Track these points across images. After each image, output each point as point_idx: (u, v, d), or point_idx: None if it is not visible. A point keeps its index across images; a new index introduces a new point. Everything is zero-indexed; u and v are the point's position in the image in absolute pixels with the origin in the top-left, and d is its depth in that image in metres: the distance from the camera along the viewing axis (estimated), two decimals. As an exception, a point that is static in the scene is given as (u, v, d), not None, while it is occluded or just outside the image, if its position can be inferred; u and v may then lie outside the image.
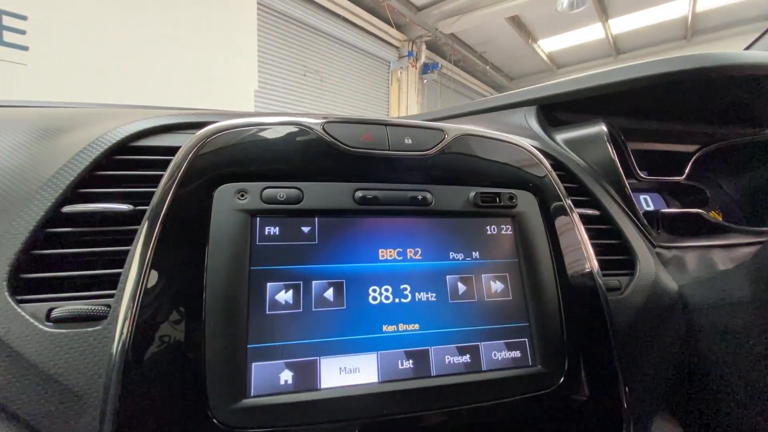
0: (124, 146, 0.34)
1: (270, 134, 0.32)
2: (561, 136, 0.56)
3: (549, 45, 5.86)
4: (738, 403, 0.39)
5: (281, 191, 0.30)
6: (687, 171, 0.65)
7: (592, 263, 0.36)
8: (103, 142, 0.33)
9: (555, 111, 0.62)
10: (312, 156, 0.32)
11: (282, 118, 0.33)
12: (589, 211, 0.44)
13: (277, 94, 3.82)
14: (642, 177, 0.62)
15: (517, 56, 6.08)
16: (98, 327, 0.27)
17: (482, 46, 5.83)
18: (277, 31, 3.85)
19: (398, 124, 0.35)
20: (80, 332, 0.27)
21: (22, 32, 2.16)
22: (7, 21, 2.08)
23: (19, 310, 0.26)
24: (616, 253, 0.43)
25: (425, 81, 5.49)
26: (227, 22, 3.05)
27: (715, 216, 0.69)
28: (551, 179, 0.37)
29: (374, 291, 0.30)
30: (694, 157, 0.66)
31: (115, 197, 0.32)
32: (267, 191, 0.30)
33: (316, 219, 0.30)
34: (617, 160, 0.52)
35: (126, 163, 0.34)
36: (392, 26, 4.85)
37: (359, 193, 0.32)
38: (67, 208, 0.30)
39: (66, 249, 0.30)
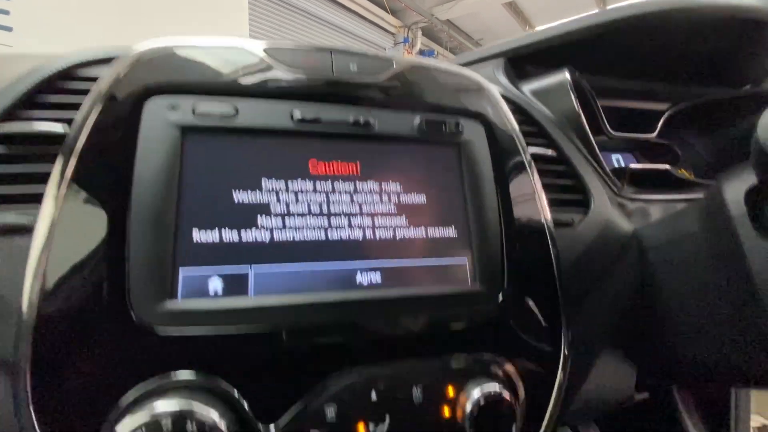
0: (69, 74, 0.34)
1: (207, 54, 0.31)
2: (528, 87, 0.55)
3: (546, 32, 5.79)
4: (685, 336, 0.40)
5: (215, 106, 0.29)
6: (658, 128, 0.65)
7: (539, 193, 0.36)
8: (47, 68, 0.33)
9: (526, 66, 0.62)
10: (250, 77, 0.32)
11: (222, 41, 0.33)
12: (544, 151, 0.43)
13: (270, 80, 3.78)
14: (612, 133, 0.62)
15: (514, 43, 6.01)
16: (25, 237, 0.27)
17: (479, 33, 5.77)
18: (270, 15, 3.79)
19: (344, 51, 0.35)
20: (6, 242, 0.27)
21: (6, 12, 2.12)
22: (-9, 2, 2.04)
23: None
24: (571, 193, 0.43)
25: (421, 68, 5.43)
26: (218, 5, 3.00)
27: (684, 174, 0.69)
28: (500, 110, 0.37)
29: (309, 205, 0.30)
30: (666, 115, 0.66)
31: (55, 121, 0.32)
32: (200, 105, 0.29)
33: (251, 137, 0.30)
34: (580, 107, 0.51)
35: (70, 89, 0.34)
36: (388, 12, 4.79)
37: (298, 113, 0.31)
38: (2, 127, 0.30)
39: None
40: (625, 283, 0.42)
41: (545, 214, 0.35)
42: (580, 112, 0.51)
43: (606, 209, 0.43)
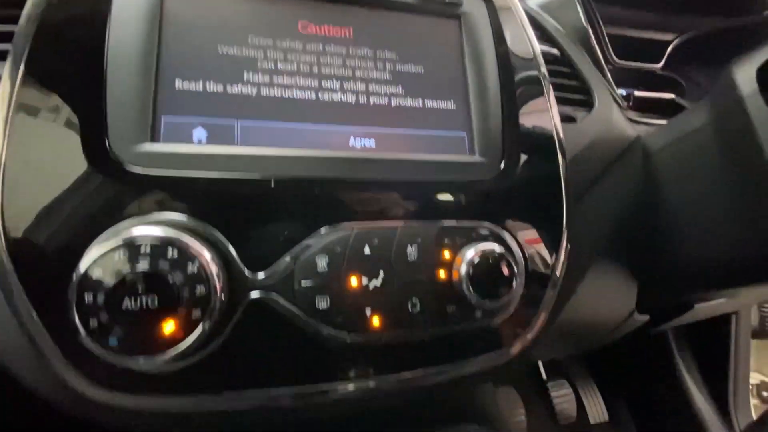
0: None
1: None
2: (534, 1, 0.53)
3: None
4: (692, 237, 0.38)
5: None
6: (665, 59, 0.63)
7: (543, 73, 0.34)
8: None
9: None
10: None
11: None
12: (548, 49, 0.41)
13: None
14: (617, 61, 0.60)
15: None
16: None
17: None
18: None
19: None
20: None
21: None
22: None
23: None
24: (575, 93, 0.41)
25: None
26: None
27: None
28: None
29: (298, 64, 0.28)
30: (672, 45, 0.63)
31: None
32: None
33: None
34: (586, 15, 0.49)
35: None
36: None
37: None
38: None
39: None
40: (628, 186, 0.41)
41: (549, 96, 0.33)
42: (587, 23, 0.49)
43: (610, 111, 0.41)
